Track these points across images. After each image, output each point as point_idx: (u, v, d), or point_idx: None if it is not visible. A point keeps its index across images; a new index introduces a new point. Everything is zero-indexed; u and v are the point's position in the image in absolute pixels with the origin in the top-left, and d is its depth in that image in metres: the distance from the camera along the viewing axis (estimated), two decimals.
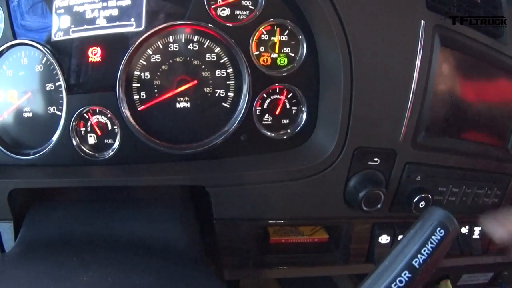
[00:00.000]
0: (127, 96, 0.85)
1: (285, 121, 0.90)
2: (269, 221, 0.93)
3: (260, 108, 0.89)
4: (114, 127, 0.87)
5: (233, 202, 0.88)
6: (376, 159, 0.86)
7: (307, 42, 0.86)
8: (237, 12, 0.84)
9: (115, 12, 0.82)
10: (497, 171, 0.99)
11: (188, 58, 0.85)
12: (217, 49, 0.85)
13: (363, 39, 0.80)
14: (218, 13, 0.83)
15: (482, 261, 1.15)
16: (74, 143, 0.87)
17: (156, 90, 0.86)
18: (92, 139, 0.88)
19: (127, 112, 0.85)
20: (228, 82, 0.87)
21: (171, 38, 0.84)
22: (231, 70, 0.86)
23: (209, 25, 0.82)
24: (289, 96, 0.89)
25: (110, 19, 0.82)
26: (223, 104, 0.88)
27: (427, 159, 0.90)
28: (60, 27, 0.83)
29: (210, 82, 0.86)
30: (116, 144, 0.88)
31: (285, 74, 0.87)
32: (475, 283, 1.37)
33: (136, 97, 0.86)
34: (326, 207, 0.85)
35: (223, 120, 0.89)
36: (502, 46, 0.93)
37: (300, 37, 0.86)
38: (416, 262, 0.44)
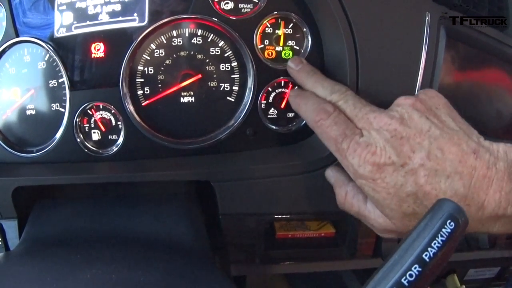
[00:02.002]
0: (131, 91, 0.85)
1: (290, 114, 0.90)
2: (275, 216, 0.92)
3: (265, 101, 0.88)
4: (118, 122, 0.87)
5: (238, 197, 0.87)
6: None
7: (312, 35, 0.85)
8: (240, 5, 0.83)
9: (117, 7, 0.82)
10: None
11: (192, 52, 0.84)
12: (221, 43, 0.84)
13: (369, 30, 0.79)
14: (222, 7, 0.83)
15: (489, 255, 1.15)
16: (78, 139, 0.86)
17: (160, 85, 0.85)
18: (96, 135, 0.88)
19: (131, 108, 0.85)
20: (232, 76, 0.86)
21: (174, 33, 0.83)
22: (235, 63, 0.85)
23: (213, 18, 0.82)
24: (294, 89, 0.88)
25: (112, 14, 0.82)
26: (228, 98, 0.87)
27: None
28: (63, 23, 0.83)
29: (215, 76, 0.86)
30: (120, 140, 0.87)
31: None
32: (482, 277, 1.37)
33: (140, 92, 0.85)
34: (333, 201, 0.84)
35: (228, 114, 0.88)
36: (507, 38, 0.93)
37: (305, 29, 0.85)
38: (426, 255, 0.43)
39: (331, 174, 0.82)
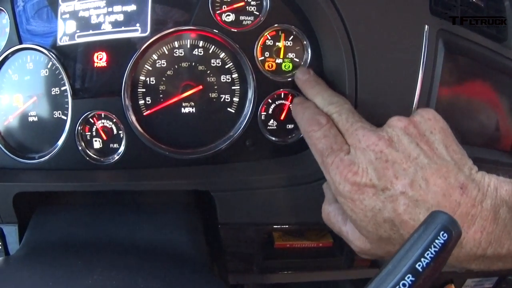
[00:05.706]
0: (133, 101, 0.85)
1: (289, 126, 0.90)
2: (274, 226, 0.93)
3: (265, 113, 0.89)
4: (120, 131, 0.87)
5: (238, 207, 0.88)
6: None
7: (312, 48, 0.86)
8: (242, 17, 0.84)
9: (120, 17, 0.83)
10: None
11: (193, 64, 0.85)
12: (222, 55, 0.85)
13: (367, 43, 0.80)
14: (223, 19, 0.83)
15: None
16: (80, 147, 0.87)
17: (161, 95, 0.86)
18: (97, 144, 0.89)
19: (132, 117, 0.85)
20: (233, 88, 0.87)
21: (176, 44, 0.84)
22: (236, 75, 0.86)
23: (214, 30, 0.83)
24: None
25: (115, 24, 0.83)
26: (228, 109, 0.88)
27: None
28: (66, 32, 0.84)
29: (215, 87, 0.86)
30: (122, 148, 0.88)
31: (290, 79, 0.87)
32: (480, 287, 1.36)
33: (141, 102, 0.86)
34: None
35: (228, 125, 0.89)
36: (506, 50, 0.93)
37: (305, 42, 0.86)
38: (419, 266, 0.44)
39: (325, 186, 0.82)
